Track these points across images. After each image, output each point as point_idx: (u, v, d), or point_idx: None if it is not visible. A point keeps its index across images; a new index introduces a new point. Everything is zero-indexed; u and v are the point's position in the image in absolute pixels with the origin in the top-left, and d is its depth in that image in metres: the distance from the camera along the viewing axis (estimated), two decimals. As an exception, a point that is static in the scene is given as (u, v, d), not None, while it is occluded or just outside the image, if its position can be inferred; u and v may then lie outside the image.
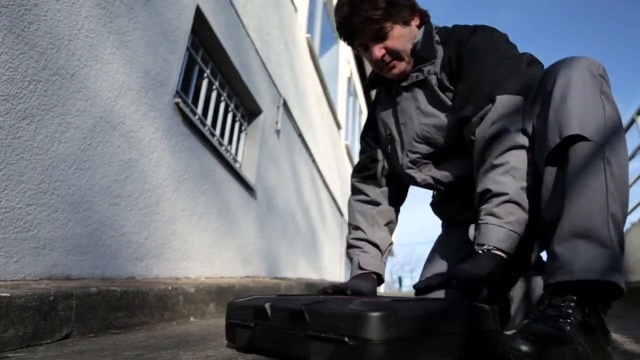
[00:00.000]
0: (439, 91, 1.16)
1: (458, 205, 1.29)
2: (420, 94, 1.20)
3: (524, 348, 0.65)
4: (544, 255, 1.07)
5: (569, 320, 0.73)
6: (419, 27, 1.24)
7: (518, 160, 0.96)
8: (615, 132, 0.83)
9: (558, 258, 0.78)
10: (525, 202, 0.93)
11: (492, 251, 0.91)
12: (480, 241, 0.93)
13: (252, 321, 0.85)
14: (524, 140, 0.96)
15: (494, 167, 0.98)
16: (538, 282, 1.17)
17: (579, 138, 0.81)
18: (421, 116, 1.20)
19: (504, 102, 1.00)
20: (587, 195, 0.78)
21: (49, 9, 1.46)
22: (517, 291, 1.18)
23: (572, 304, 0.75)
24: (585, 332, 0.73)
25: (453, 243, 1.27)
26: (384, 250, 1.30)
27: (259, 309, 0.84)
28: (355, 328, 0.63)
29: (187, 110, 2.40)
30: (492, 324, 0.79)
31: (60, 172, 1.49)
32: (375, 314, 0.63)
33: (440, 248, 1.31)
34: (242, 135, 3.54)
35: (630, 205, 4.17)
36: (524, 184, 0.94)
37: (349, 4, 1.17)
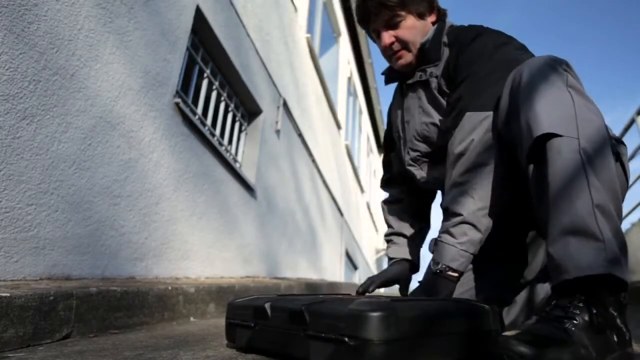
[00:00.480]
0: (437, 94, 1.17)
1: None
2: (422, 94, 1.22)
3: (520, 349, 0.64)
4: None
5: (574, 321, 0.71)
6: (434, 23, 1.25)
7: (480, 179, 0.99)
8: (589, 122, 0.81)
9: (553, 259, 0.77)
10: (480, 222, 0.99)
11: (446, 272, 1.00)
12: (436, 258, 1.02)
13: (252, 321, 0.85)
14: (489, 158, 0.98)
15: (456, 185, 1.02)
16: (542, 287, 1.18)
17: (550, 136, 0.80)
18: (422, 115, 1.21)
19: (470, 120, 1.02)
20: (568, 192, 0.77)
21: (49, 9, 1.46)
22: (520, 295, 1.19)
23: (580, 304, 0.73)
24: (592, 331, 0.71)
25: None
26: (413, 236, 1.36)
27: (259, 309, 0.84)
28: (355, 328, 0.63)
29: (187, 110, 2.40)
30: (492, 324, 0.79)
31: (60, 172, 1.49)
32: (375, 314, 0.63)
33: None
34: (242, 135, 3.54)
35: (631, 205, 4.16)
36: (482, 204, 0.98)
37: None
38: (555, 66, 0.87)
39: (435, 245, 1.05)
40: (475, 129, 1.01)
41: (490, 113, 1.00)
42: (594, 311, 0.72)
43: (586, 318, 0.72)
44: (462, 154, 1.02)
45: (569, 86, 0.85)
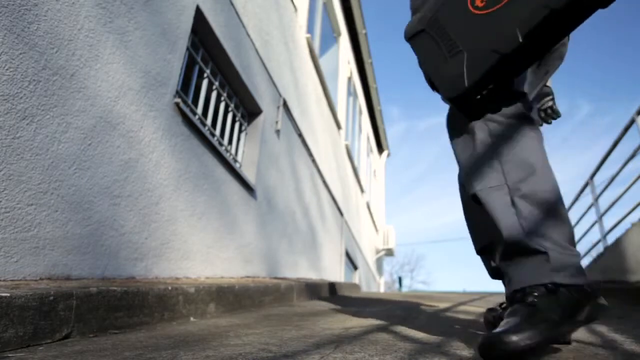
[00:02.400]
0: None
1: None
2: None
3: (510, 338, 0.70)
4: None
5: (535, 294, 0.78)
6: None
7: None
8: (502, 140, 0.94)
9: (504, 272, 0.89)
10: None
11: None
12: None
13: None
14: None
15: None
16: None
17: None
18: None
19: None
20: (499, 217, 0.89)
21: (49, 9, 1.46)
22: None
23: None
24: (552, 293, 0.77)
25: None
26: None
27: None
28: None
29: (187, 110, 2.40)
30: None
31: (60, 172, 1.49)
32: None
33: None
34: (242, 135, 3.54)
35: (630, 205, 4.15)
36: None
37: None
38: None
39: None
40: None
41: None
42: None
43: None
44: None
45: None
